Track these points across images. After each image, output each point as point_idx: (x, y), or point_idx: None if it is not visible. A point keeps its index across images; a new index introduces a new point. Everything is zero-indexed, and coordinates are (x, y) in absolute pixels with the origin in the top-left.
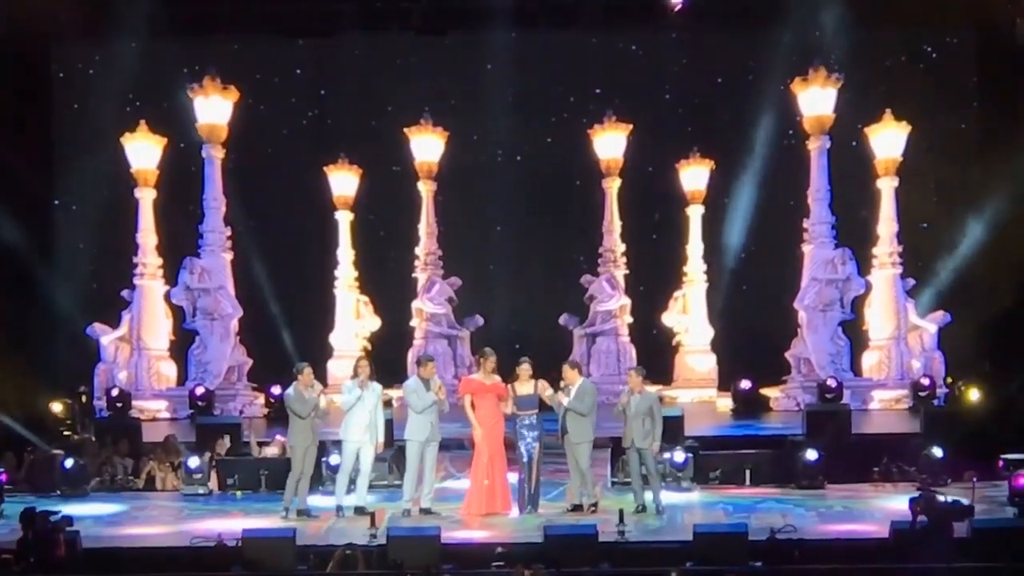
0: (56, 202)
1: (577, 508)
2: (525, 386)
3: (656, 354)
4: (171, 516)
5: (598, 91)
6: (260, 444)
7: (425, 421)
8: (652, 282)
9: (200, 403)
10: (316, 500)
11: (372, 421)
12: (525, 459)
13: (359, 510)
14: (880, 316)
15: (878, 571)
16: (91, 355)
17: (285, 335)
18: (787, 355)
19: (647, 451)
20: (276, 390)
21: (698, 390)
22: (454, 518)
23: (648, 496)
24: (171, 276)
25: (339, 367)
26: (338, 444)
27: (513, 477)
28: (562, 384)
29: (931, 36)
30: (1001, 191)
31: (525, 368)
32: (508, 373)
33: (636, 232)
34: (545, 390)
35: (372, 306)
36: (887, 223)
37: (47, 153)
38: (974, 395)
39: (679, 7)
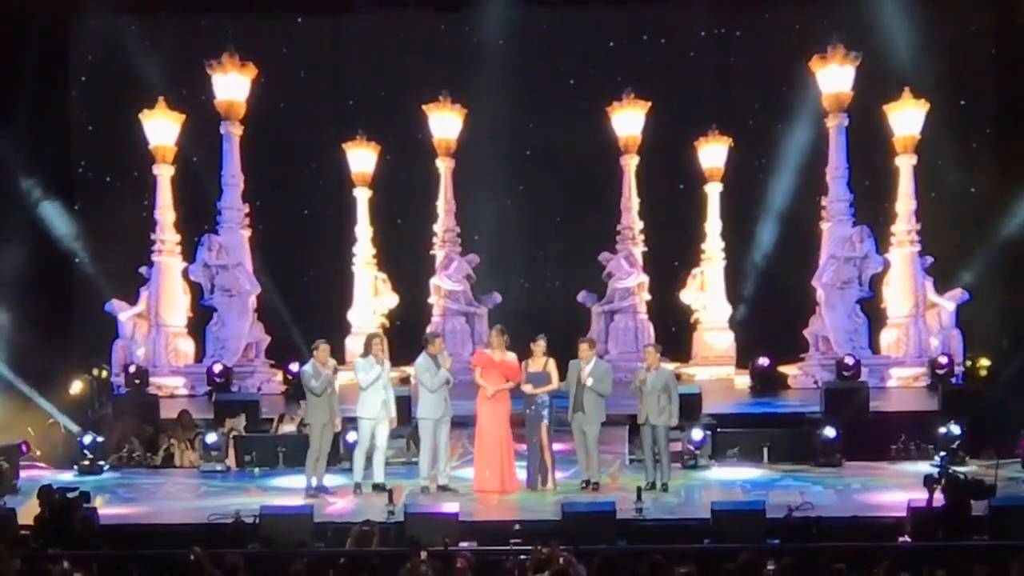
0: (74, 178)
1: (588, 485)
2: (535, 363)
3: (674, 332)
4: (189, 493)
5: (616, 68)
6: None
7: (439, 399)
8: (670, 260)
9: (218, 380)
10: (335, 477)
11: (386, 398)
12: (535, 436)
13: (377, 487)
14: (898, 294)
15: (896, 549)
16: (109, 332)
17: (303, 312)
18: (805, 333)
19: (661, 428)
20: (294, 367)
21: (716, 368)
22: (472, 495)
23: (657, 472)
24: (189, 253)
25: (356, 344)
26: (353, 421)
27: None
28: (581, 363)
29: (950, 14)
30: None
31: (540, 345)
32: (524, 350)
33: (654, 209)
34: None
35: (390, 283)
36: (905, 201)
37: (66, 128)
38: (986, 365)
39: None
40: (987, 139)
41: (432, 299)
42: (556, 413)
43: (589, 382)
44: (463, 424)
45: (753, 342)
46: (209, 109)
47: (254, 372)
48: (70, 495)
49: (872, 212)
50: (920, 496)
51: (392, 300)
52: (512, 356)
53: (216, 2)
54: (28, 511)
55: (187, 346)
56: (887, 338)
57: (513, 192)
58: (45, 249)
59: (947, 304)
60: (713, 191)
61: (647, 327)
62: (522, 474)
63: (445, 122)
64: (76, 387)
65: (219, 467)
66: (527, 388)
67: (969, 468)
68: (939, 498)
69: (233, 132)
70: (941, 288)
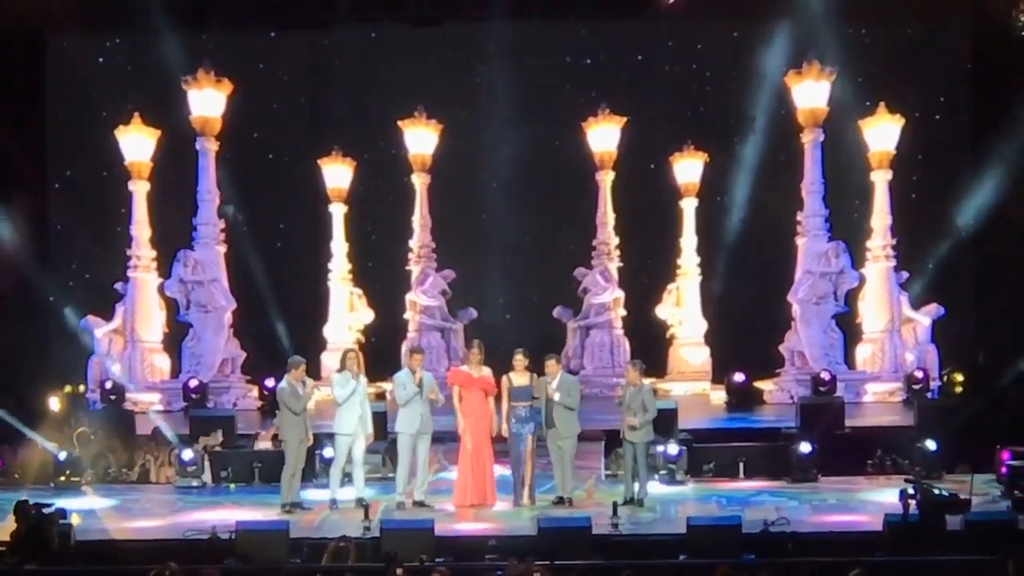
0: (49, 194)
1: (562, 501)
2: (520, 377)
3: (650, 347)
4: (165, 508)
5: (591, 84)
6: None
7: (415, 413)
8: (646, 275)
9: (194, 396)
10: (310, 493)
11: (362, 413)
12: (519, 450)
13: (360, 501)
14: (874, 309)
15: (871, 563)
16: (85, 348)
17: (279, 328)
18: (781, 348)
19: (640, 444)
20: (270, 383)
21: (692, 383)
22: (448, 511)
23: (636, 487)
24: (165, 268)
25: (332, 359)
26: (331, 437)
27: (503, 469)
28: (548, 379)
29: (926, 28)
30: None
31: (520, 359)
32: (501, 365)
33: (630, 225)
34: (541, 385)
35: (366, 299)
36: (880, 216)
37: (41, 145)
38: (960, 380)
39: (673, 2)
40: (962, 154)
41: (408, 315)
42: (538, 429)
43: (556, 396)
44: (439, 439)
45: (729, 357)
46: (184, 125)
47: (230, 388)
48: (46, 511)
49: (848, 227)
50: (896, 511)
51: (368, 316)
52: (487, 370)
53: (191, 18)
54: (4, 527)
55: (163, 362)
56: (863, 353)
57: (489, 207)
58: (19, 263)
59: (922, 319)
60: (688, 206)
61: (623, 342)
62: (507, 490)
63: (420, 137)
64: (55, 404)
65: (195, 483)
66: (504, 401)
67: (945, 483)
68: (915, 513)
69: (209, 148)
70: (916, 303)
